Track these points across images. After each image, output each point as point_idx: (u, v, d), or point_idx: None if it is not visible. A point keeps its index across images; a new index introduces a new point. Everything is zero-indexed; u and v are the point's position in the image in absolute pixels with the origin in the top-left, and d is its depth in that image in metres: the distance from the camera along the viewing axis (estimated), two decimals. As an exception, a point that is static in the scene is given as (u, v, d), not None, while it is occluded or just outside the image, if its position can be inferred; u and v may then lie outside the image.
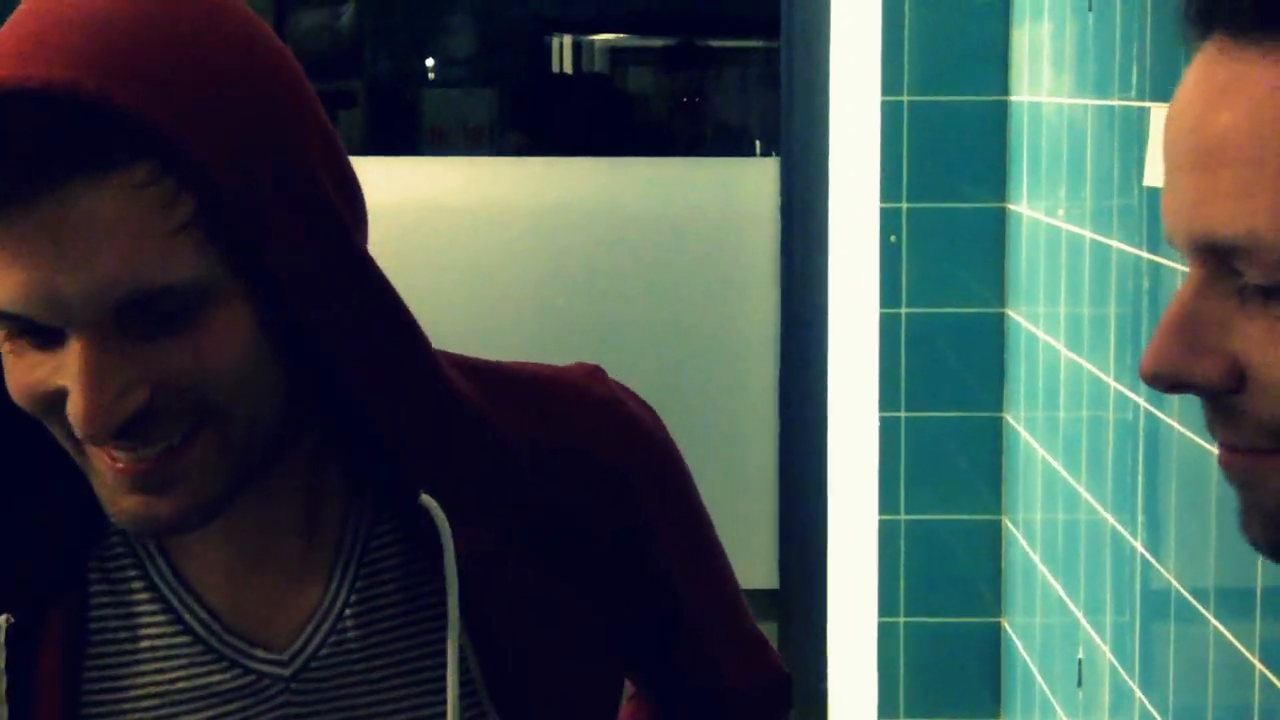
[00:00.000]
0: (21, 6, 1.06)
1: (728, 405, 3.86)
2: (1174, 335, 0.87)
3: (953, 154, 3.36)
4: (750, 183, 3.86)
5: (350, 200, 1.11)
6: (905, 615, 3.47)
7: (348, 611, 1.18)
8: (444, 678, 1.18)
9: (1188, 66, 0.88)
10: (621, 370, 1.35)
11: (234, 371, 1.05)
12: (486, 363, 1.26)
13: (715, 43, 4.65)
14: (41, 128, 0.99)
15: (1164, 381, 0.87)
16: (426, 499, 1.16)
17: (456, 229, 3.86)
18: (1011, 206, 3.33)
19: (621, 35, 4.83)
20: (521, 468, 1.20)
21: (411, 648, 1.19)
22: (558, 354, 1.40)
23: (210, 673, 1.16)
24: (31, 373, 1.05)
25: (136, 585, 1.17)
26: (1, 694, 1.13)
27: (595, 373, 1.29)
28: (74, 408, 1.03)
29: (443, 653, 1.18)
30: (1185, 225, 0.86)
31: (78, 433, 1.05)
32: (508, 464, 1.20)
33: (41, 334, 1.04)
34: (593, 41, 4.82)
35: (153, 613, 1.17)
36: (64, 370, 1.04)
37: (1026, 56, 3.22)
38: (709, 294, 3.86)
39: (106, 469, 1.07)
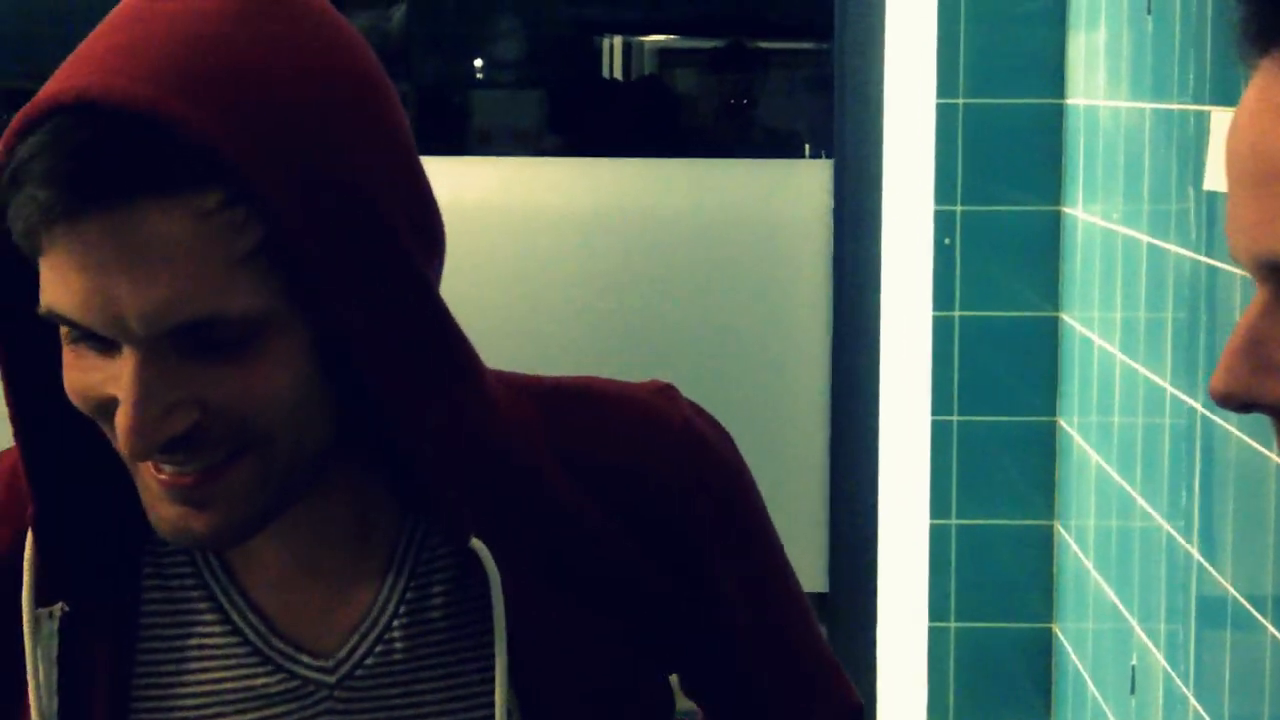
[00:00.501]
0: (114, 12, 1.06)
1: (778, 409, 3.85)
2: (1241, 355, 0.87)
3: (1008, 157, 3.34)
4: (801, 185, 3.85)
5: (424, 233, 1.11)
6: (956, 620, 3.45)
7: (395, 623, 1.18)
8: (486, 695, 1.18)
9: (1246, 83, 0.87)
10: (670, 376, 1.34)
11: (283, 401, 1.05)
12: (549, 382, 1.25)
13: (765, 44, 4.64)
14: (118, 142, 0.99)
15: (1234, 402, 0.87)
16: (476, 544, 1.15)
17: (503, 230, 3.85)
18: (1067, 210, 3.31)
19: (671, 36, 4.82)
20: (565, 502, 1.19)
21: (456, 664, 1.19)
22: (604, 358, 1.39)
23: (257, 675, 1.17)
24: (87, 376, 1.06)
25: (189, 584, 1.18)
26: (54, 683, 1.14)
27: (665, 391, 1.27)
28: (121, 421, 1.04)
29: (486, 670, 1.18)
30: (1247, 245, 0.86)
31: (122, 446, 1.05)
32: (553, 504, 1.19)
33: (100, 340, 1.05)
34: (642, 43, 4.81)
35: (203, 612, 1.18)
36: (116, 380, 1.04)
37: (1083, 60, 3.19)
38: (759, 296, 3.84)
39: (150, 478, 1.08)
